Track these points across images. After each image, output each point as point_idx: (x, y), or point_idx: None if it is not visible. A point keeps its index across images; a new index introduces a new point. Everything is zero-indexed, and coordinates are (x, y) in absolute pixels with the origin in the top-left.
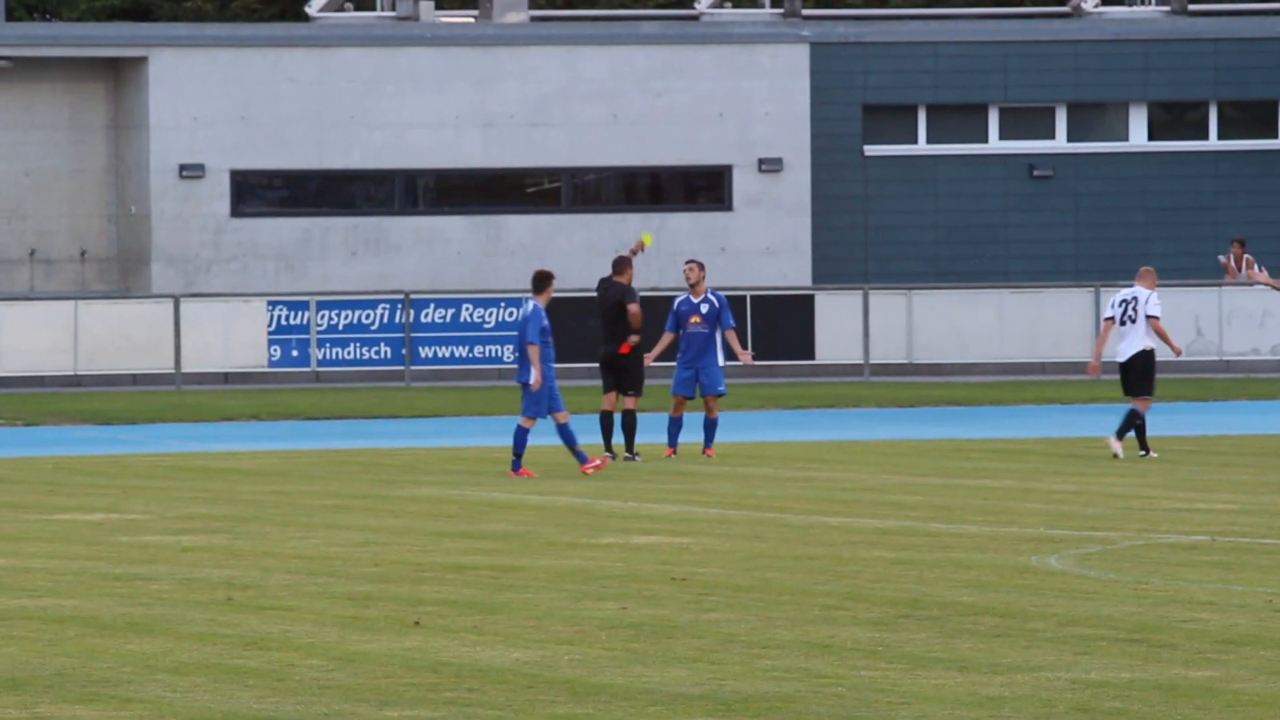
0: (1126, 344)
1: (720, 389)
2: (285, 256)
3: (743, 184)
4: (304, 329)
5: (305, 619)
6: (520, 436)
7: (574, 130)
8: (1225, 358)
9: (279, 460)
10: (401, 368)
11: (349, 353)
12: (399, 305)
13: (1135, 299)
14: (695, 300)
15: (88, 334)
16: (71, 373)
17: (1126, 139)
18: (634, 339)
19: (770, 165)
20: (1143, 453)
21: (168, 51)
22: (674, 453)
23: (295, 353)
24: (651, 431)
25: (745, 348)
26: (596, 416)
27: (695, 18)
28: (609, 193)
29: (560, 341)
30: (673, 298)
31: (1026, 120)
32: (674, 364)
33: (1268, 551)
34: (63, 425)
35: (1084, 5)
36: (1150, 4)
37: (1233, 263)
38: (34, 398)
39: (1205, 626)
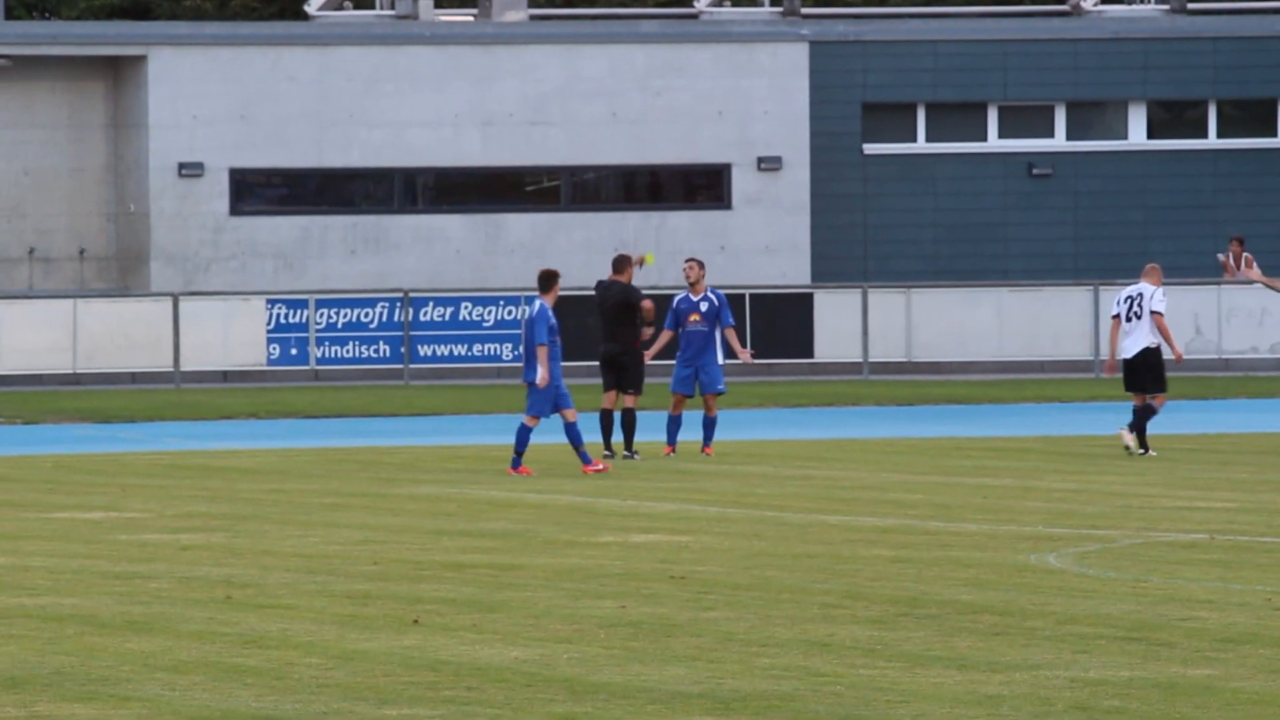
0: (1132, 341)
1: (720, 387)
2: (284, 255)
3: (742, 182)
4: (303, 327)
5: (304, 617)
6: (523, 435)
7: (573, 129)
8: (1224, 356)
9: (278, 458)
10: (400, 366)
11: (348, 351)
12: (398, 304)
13: (1140, 295)
14: (695, 298)
15: (87, 332)
16: (70, 371)
17: (1126, 137)
18: (649, 331)
19: (769, 164)
20: (1141, 451)
21: (167, 50)
22: (673, 451)
23: (294, 351)
24: (651, 430)
25: (745, 346)
26: (596, 415)
27: (694, 16)
28: (608, 191)
29: (561, 340)
30: (672, 296)
31: (1026, 119)
32: (673, 362)
33: (1267, 550)
34: (62, 423)
35: (1083, 4)
36: (1149, 2)
37: (1232, 261)
38: (33, 396)
39: (1204, 625)
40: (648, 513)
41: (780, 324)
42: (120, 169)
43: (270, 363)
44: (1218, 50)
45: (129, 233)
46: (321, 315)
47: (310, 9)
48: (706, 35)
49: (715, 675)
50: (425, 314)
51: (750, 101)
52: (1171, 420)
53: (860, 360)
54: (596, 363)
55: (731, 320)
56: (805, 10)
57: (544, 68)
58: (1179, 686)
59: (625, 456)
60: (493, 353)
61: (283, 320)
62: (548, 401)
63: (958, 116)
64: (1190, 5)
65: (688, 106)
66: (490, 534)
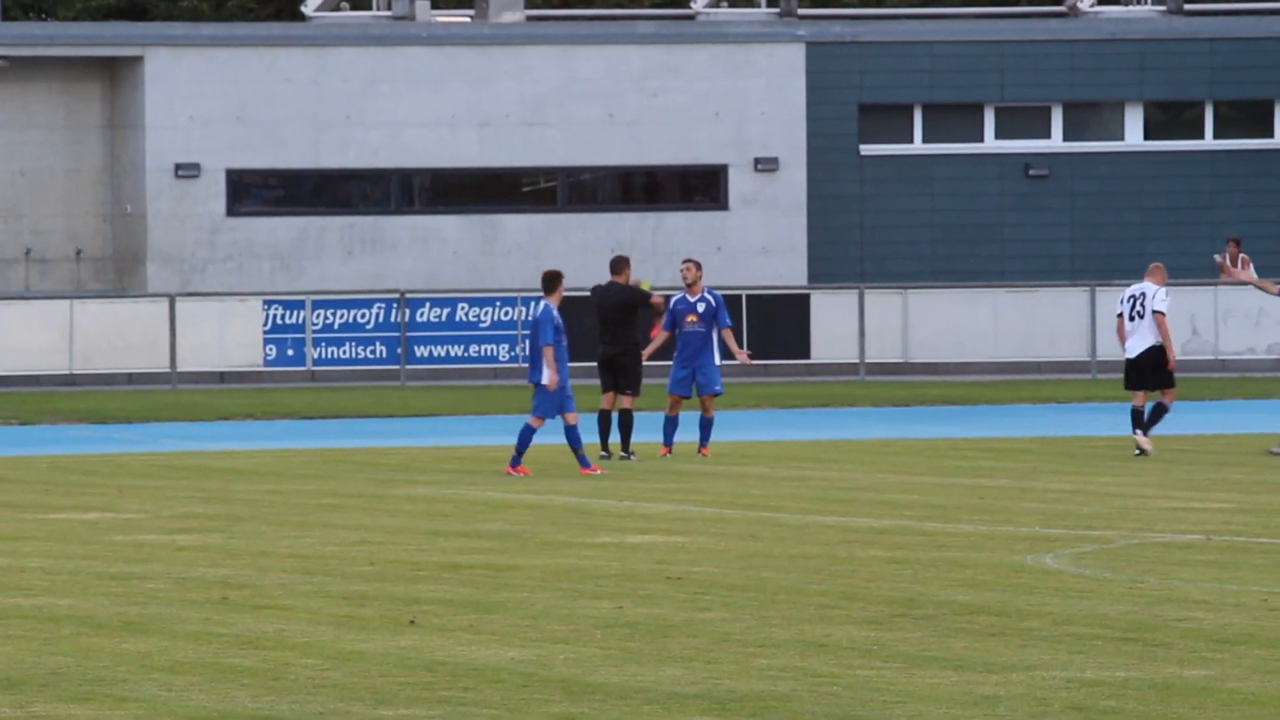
0: (1136, 340)
1: (717, 388)
2: (281, 256)
3: (738, 183)
4: (300, 328)
5: (300, 618)
6: (526, 435)
7: (570, 130)
8: (1221, 357)
9: (274, 459)
10: (397, 367)
11: (345, 352)
12: (395, 304)
13: (1144, 294)
14: (692, 299)
15: (83, 333)
16: (67, 372)
17: (1122, 138)
18: (659, 319)
19: (766, 165)
20: (1138, 452)
21: (163, 51)
22: (669, 452)
23: (291, 352)
24: (647, 431)
25: (742, 347)
26: (594, 416)
27: (691, 17)
28: (605, 192)
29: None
30: (669, 297)
31: (1022, 120)
32: (670, 363)
33: (1263, 550)
34: (58, 424)
35: (1080, 5)
36: (1146, 3)
37: (1228, 262)
38: (29, 397)
39: (1200, 625)
40: (644, 513)
41: (777, 325)
42: (117, 170)
43: (267, 363)
44: (1214, 51)
45: (125, 234)
46: (318, 316)
47: (307, 10)
48: (703, 36)
49: (712, 676)
50: (422, 315)
51: (747, 102)
52: (1168, 421)
53: (857, 361)
54: (593, 364)
55: (729, 321)
56: (802, 11)
57: (541, 69)
58: (1175, 687)
59: (622, 457)
60: (489, 353)
61: (279, 321)
62: (554, 402)
63: (954, 117)
64: (1187, 6)
65: (684, 107)
66: (487, 535)
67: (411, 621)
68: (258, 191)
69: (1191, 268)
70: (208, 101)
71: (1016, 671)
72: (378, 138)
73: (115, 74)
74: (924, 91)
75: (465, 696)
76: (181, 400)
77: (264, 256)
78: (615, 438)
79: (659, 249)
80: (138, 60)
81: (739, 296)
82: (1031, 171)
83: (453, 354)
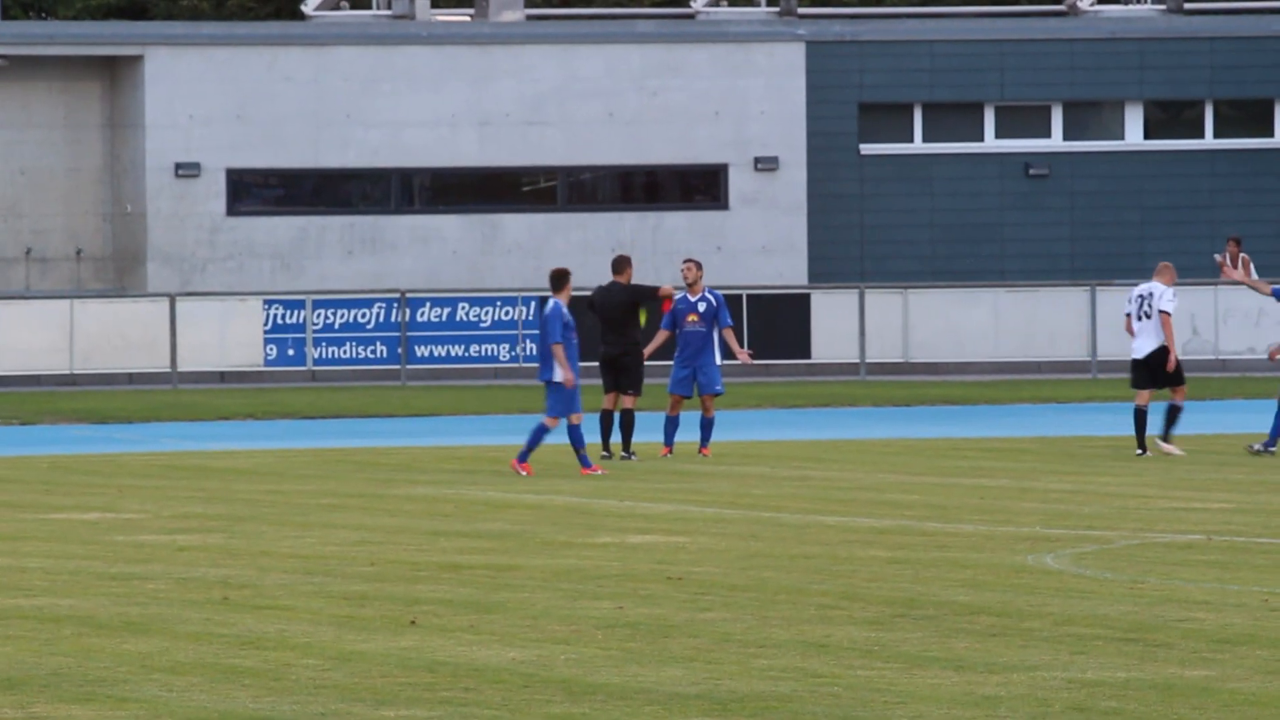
0: (1143, 340)
1: (718, 388)
2: (281, 255)
3: (739, 183)
4: (300, 328)
5: (301, 618)
6: (539, 434)
7: (570, 129)
8: (1221, 357)
9: (275, 459)
10: (397, 367)
11: (345, 352)
12: (395, 304)
13: (1151, 294)
14: (693, 299)
15: (83, 333)
16: (67, 371)
17: (1122, 138)
18: (669, 296)
19: (766, 164)
20: (1139, 451)
21: (163, 50)
22: (670, 452)
23: (291, 352)
24: (648, 431)
25: (742, 347)
26: (595, 416)
27: (691, 16)
28: (605, 191)
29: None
30: (669, 296)
31: (1022, 119)
32: (671, 363)
33: (1264, 551)
34: (58, 424)
35: (1080, 4)
36: (1146, 2)
37: (1228, 261)
38: (30, 396)
39: (1201, 626)
40: (645, 513)
41: (777, 324)
42: (117, 169)
43: (267, 363)
44: (1214, 50)
45: (125, 233)
46: (318, 316)
47: (307, 9)
48: (703, 35)
49: (712, 676)
50: (422, 314)
51: (747, 101)
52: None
53: (857, 361)
54: (595, 364)
55: (729, 321)
56: (802, 10)
57: (541, 68)
58: (1176, 687)
59: (623, 458)
60: (490, 353)
61: (280, 321)
62: (569, 401)
63: (954, 117)
64: (1187, 5)
65: (684, 106)
66: (487, 535)
67: (412, 622)
68: (258, 191)
69: (1192, 267)
70: (208, 101)
71: (1017, 672)
72: (378, 137)
73: (115, 73)
74: (924, 91)
75: (466, 697)
76: (182, 400)
77: (264, 256)
78: (616, 438)
79: (659, 248)
80: (138, 59)
81: (739, 296)
82: (1031, 171)
83: (453, 354)
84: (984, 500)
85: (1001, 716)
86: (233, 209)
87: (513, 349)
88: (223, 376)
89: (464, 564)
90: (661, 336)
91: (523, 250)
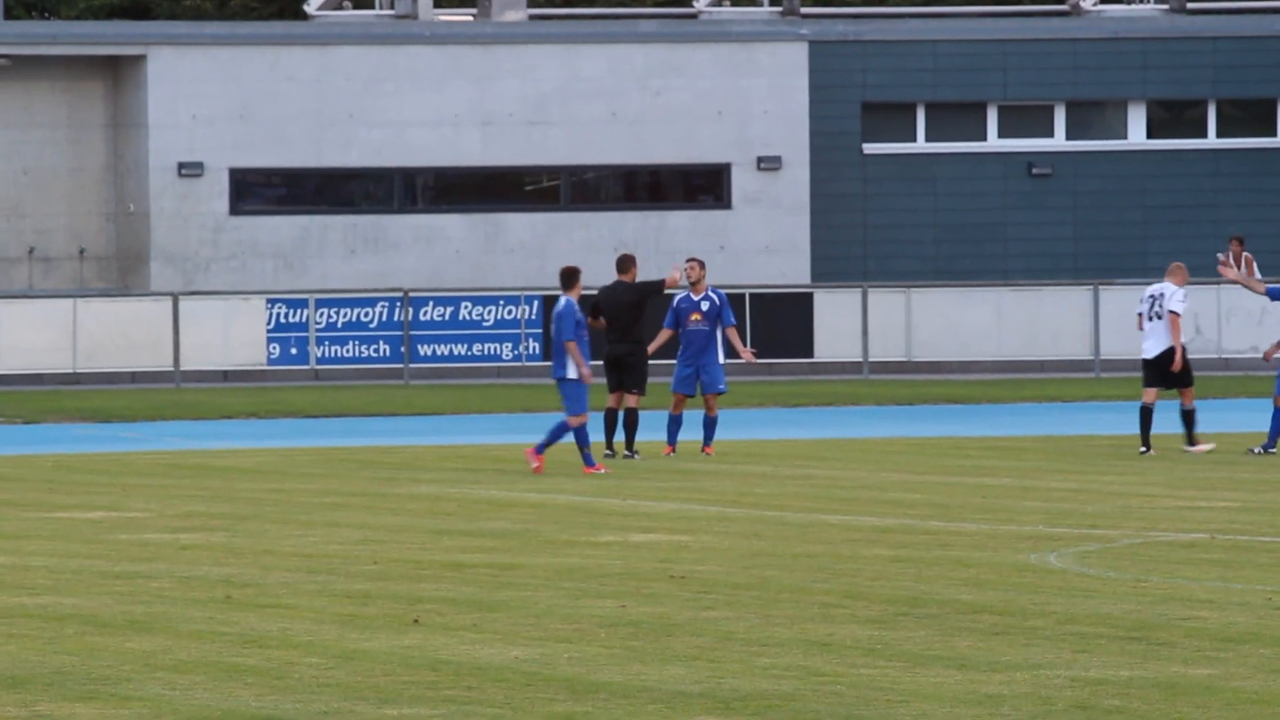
0: (1154, 341)
1: (721, 387)
2: (284, 254)
3: (741, 182)
4: (303, 327)
5: (304, 617)
6: (559, 432)
7: (573, 128)
8: (1224, 356)
9: (278, 458)
10: (400, 366)
11: (348, 351)
12: (398, 303)
13: (1162, 294)
14: (696, 298)
15: (86, 332)
16: (70, 370)
17: (1125, 137)
18: (675, 278)
19: (769, 163)
20: (1143, 449)
21: (166, 50)
22: (673, 451)
23: (294, 351)
24: (651, 429)
25: (746, 346)
26: (600, 414)
27: (694, 16)
28: (608, 191)
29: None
30: (673, 295)
31: (1025, 118)
32: (674, 362)
33: (1267, 549)
34: (62, 423)
35: (1082, 3)
36: (1149, 2)
37: (1231, 261)
38: (33, 395)
39: (1204, 624)
40: (648, 512)
41: (780, 324)
42: (120, 169)
43: (270, 362)
44: (1217, 50)
45: (129, 232)
46: (321, 315)
47: (310, 9)
48: (706, 35)
49: (715, 675)
50: (425, 313)
51: (750, 101)
52: (1172, 420)
53: (860, 360)
54: (600, 362)
55: (733, 320)
56: (804, 10)
57: (543, 67)
58: (1179, 686)
59: (626, 456)
60: (492, 352)
61: (283, 320)
62: (584, 398)
63: (957, 116)
64: (1190, 5)
65: (687, 106)
66: (490, 534)
67: (415, 620)
68: (261, 190)
69: (1195, 266)
70: (211, 100)
71: (1020, 670)
72: (380, 136)
73: (118, 73)
74: (927, 90)
75: (469, 695)
76: (185, 399)
77: (267, 255)
78: (619, 437)
79: (662, 248)
80: (141, 59)
81: (742, 295)
82: (1034, 170)
83: (456, 353)
84: (987, 499)
85: (1004, 715)
86: (236, 208)
87: (515, 348)
88: (226, 375)
89: (467, 563)
90: (665, 335)
91: (525, 250)
